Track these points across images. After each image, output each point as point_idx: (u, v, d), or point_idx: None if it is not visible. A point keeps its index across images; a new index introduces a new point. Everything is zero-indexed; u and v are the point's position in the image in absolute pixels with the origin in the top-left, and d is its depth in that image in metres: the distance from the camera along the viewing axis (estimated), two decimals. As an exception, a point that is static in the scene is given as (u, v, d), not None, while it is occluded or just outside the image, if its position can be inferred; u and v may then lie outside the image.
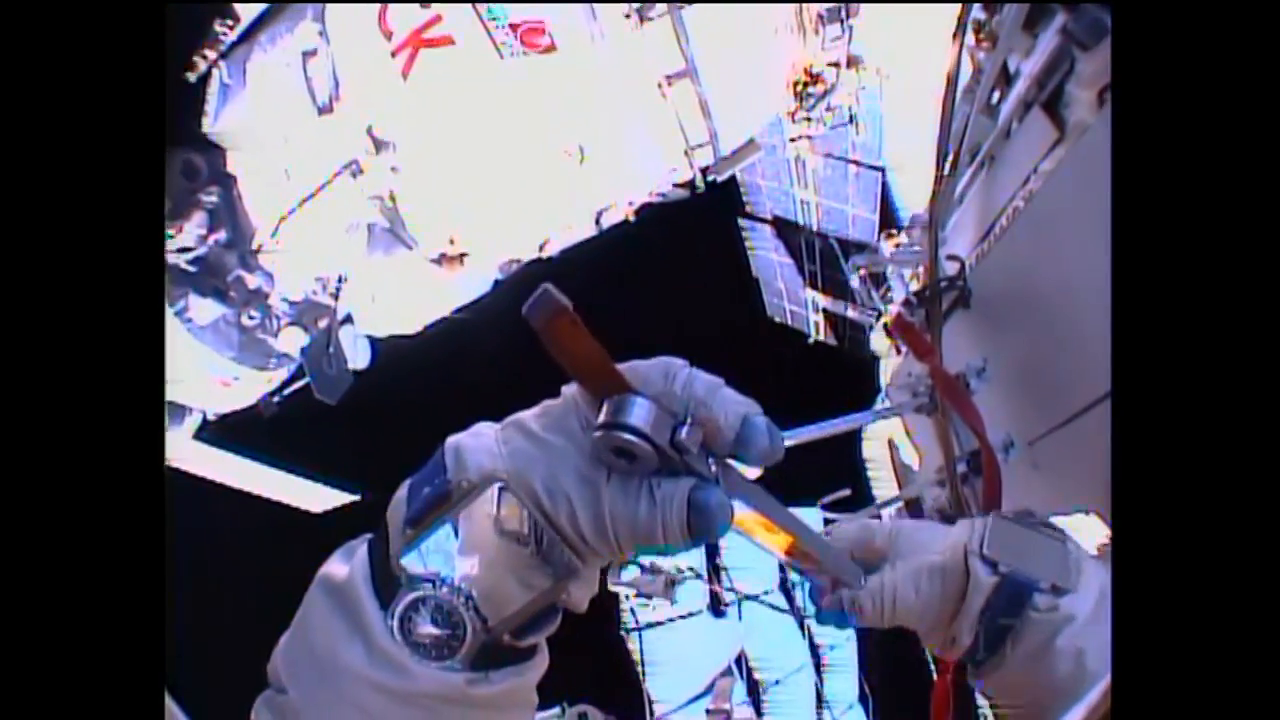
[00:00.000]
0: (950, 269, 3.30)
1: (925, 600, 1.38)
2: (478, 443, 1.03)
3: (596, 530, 0.99)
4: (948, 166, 3.52)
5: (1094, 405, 2.66)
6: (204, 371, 6.67)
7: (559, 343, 0.96)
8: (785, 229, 12.63)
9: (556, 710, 5.20)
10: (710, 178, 6.48)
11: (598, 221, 6.29)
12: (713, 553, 12.61)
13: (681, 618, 12.02)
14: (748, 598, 12.02)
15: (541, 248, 6.33)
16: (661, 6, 5.35)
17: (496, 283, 6.62)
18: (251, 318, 6.38)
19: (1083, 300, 2.69)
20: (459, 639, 0.99)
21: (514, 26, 5.17)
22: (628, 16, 5.33)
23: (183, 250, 6.26)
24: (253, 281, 6.32)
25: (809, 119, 6.77)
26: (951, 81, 3.35)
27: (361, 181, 5.61)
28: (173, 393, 6.97)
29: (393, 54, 5.27)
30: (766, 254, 13.35)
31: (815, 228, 11.78)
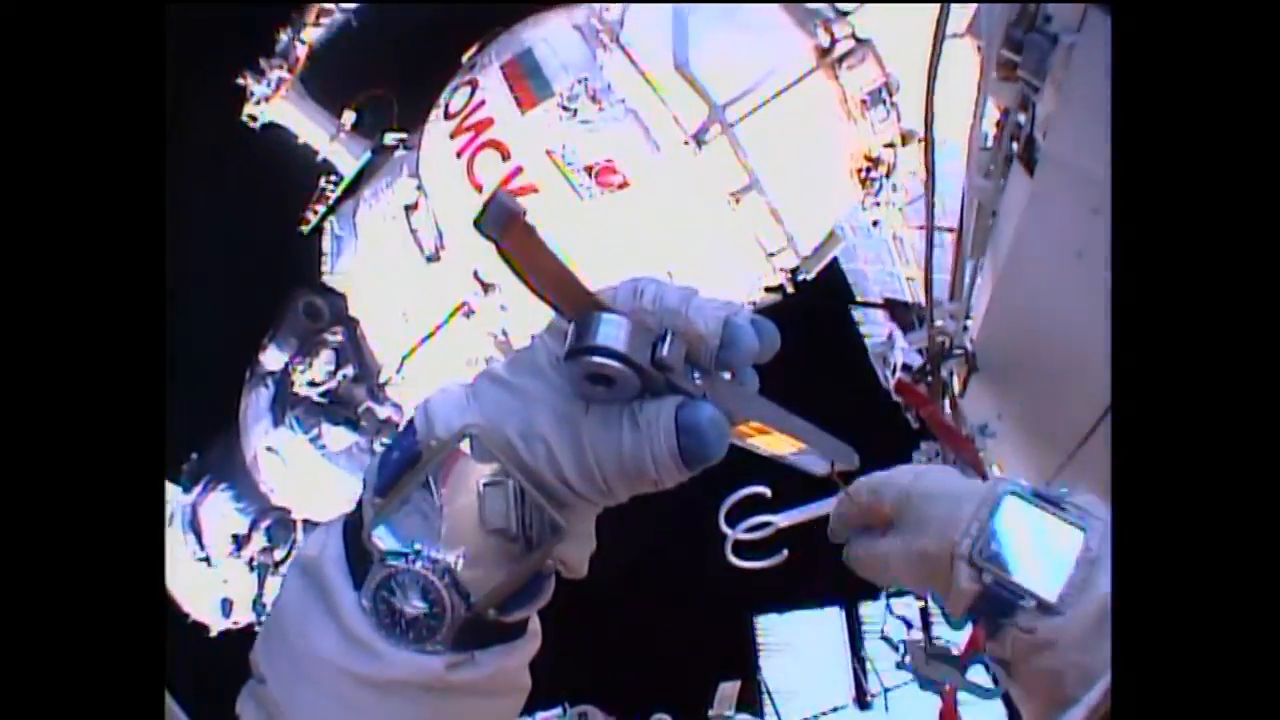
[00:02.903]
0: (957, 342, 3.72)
1: (915, 581, 1.38)
2: (446, 399, 0.98)
3: (580, 470, 0.93)
4: (937, 232, 3.84)
5: (1094, 429, 2.86)
6: (339, 493, 7.67)
7: (521, 253, 0.92)
8: (897, 309, 12.94)
9: (558, 710, 5.36)
10: (799, 277, 7.10)
11: (696, 335, 7.02)
12: (857, 646, 12.86)
13: (826, 713, 12.25)
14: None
15: (650, 364, 7.06)
16: (715, 129, 6.15)
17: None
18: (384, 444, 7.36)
19: (1068, 335, 2.90)
20: (438, 618, 0.94)
21: (588, 169, 6.08)
22: (686, 144, 6.16)
23: (313, 384, 7.48)
24: (382, 412, 7.34)
25: (878, 203, 7.32)
26: (928, 145, 3.70)
27: (475, 320, 6.54)
28: (309, 511, 8.07)
29: (486, 205, 6.18)
30: (882, 338, 13.60)
31: (925, 302, 12.09)
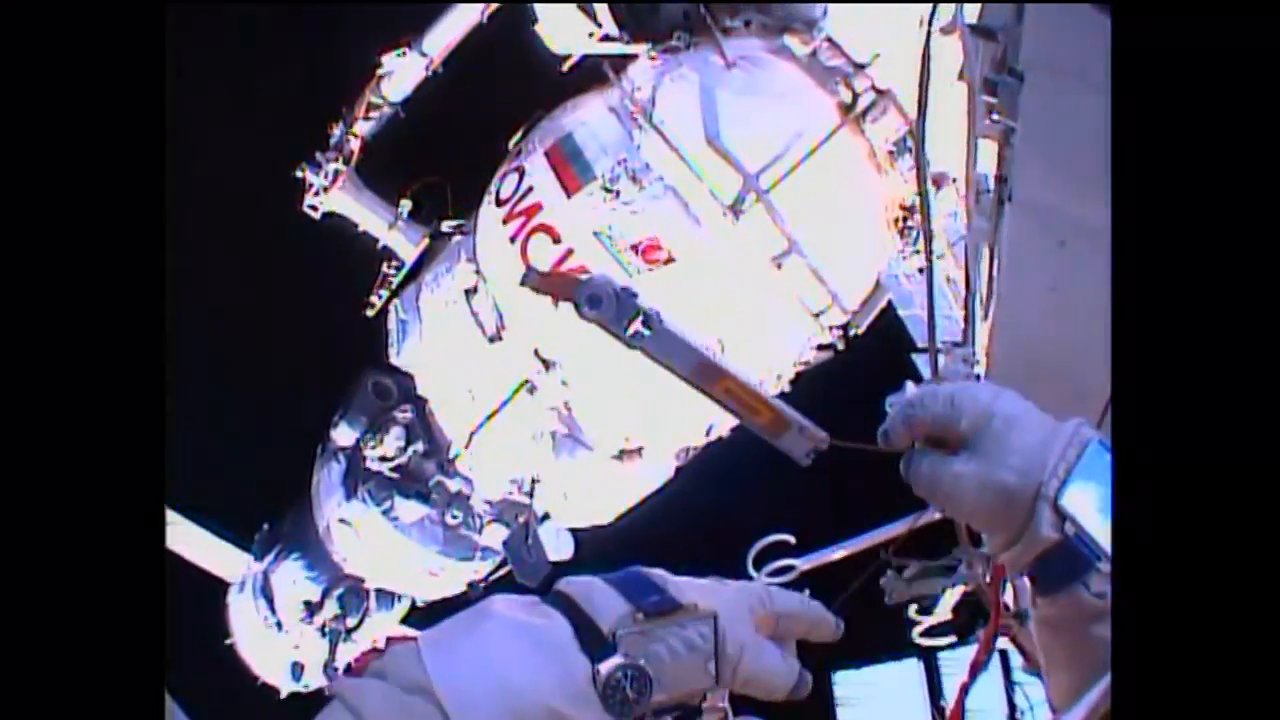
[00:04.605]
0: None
1: (984, 514, 1.36)
2: (700, 584, 1.27)
3: (746, 657, 1.22)
4: (936, 278, 4.03)
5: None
6: (411, 564, 8.26)
7: (553, 288, 1.62)
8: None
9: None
10: (851, 333, 7.44)
11: (752, 399, 7.38)
12: (936, 695, 12.96)
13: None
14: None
15: (709, 432, 7.53)
16: (751, 197, 6.61)
17: (678, 470, 7.88)
18: (455, 517, 7.92)
19: (1053, 371, 2.97)
20: (639, 704, 1.17)
21: (634, 247, 6.59)
22: (724, 214, 6.63)
23: (384, 459, 8.03)
24: (453, 486, 7.89)
25: (917, 250, 7.52)
26: (923, 195, 4.09)
27: (537, 395, 7.07)
28: (382, 581, 8.67)
29: (543, 286, 6.71)
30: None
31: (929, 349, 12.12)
